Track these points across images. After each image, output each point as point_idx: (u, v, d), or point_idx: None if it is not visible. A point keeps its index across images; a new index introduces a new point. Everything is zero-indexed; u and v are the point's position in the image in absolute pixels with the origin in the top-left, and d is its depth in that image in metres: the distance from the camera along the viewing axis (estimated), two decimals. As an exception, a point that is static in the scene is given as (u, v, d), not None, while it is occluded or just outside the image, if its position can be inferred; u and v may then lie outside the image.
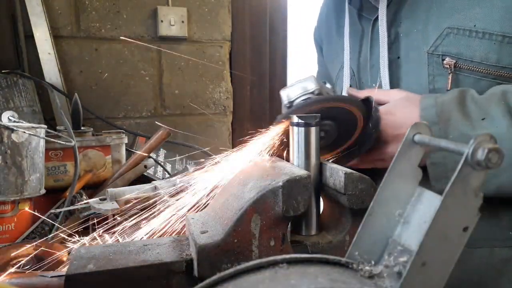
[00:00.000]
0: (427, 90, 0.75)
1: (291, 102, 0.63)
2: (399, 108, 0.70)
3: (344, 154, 0.70)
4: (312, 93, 0.61)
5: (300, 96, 0.62)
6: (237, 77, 1.64)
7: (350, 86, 0.89)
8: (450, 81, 0.72)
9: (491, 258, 0.72)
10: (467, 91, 0.67)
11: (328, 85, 0.67)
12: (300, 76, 0.64)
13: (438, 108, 0.64)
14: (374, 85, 0.83)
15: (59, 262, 0.56)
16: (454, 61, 0.71)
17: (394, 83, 0.79)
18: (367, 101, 0.65)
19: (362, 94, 0.77)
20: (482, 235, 0.70)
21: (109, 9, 1.44)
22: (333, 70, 0.99)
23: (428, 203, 0.30)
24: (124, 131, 1.22)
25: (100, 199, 0.75)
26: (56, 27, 1.38)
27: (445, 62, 0.72)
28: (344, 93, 0.83)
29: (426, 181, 0.76)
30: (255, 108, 1.69)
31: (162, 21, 1.47)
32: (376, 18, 0.81)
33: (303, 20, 1.83)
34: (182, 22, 1.51)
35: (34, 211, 0.80)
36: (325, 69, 1.06)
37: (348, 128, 0.65)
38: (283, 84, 1.74)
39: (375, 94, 0.73)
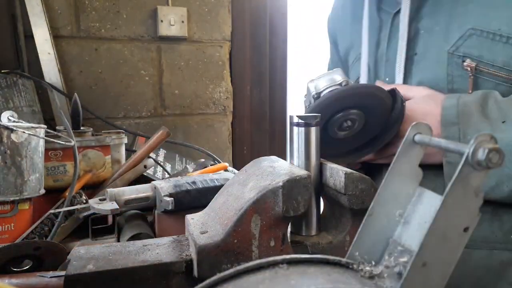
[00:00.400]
0: (445, 89, 0.73)
1: (318, 93, 0.64)
2: (421, 105, 0.70)
3: (363, 146, 0.71)
4: (340, 84, 0.63)
5: (327, 88, 0.63)
6: (237, 77, 1.64)
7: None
8: (471, 84, 0.70)
9: (490, 260, 0.71)
10: (491, 93, 0.66)
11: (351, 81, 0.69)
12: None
13: (459, 108, 0.64)
14: (387, 79, 0.82)
15: (59, 262, 0.56)
16: (475, 63, 0.70)
17: (407, 80, 0.79)
18: (392, 92, 0.66)
19: (387, 87, 0.78)
20: (482, 236, 0.70)
21: (109, 9, 1.44)
22: (349, 60, 0.98)
23: (428, 203, 0.30)
24: (124, 131, 1.22)
25: (100, 199, 0.75)
26: (56, 27, 1.38)
27: (465, 63, 0.71)
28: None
29: (426, 181, 0.76)
30: (255, 108, 1.69)
31: (162, 21, 1.47)
32: (397, 12, 0.80)
33: (303, 20, 1.84)
34: (182, 22, 1.51)
35: (34, 212, 0.80)
36: (337, 59, 1.05)
37: (375, 118, 0.66)
38: (283, 84, 1.73)
39: (401, 89, 0.73)
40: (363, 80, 0.86)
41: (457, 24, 0.72)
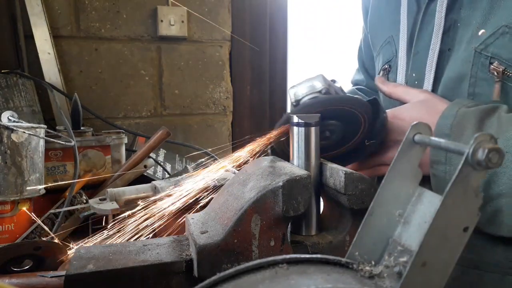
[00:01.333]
0: (465, 93, 0.65)
1: (297, 101, 0.61)
2: (410, 112, 0.64)
3: (346, 156, 0.69)
4: (319, 92, 0.60)
5: (307, 95, 0.61)
6: (237, 77, 1.64)
7: (380, 73, 0.82)
8: (497, 91, 0.61)
9: (501, 284, 0.65)
10: (499, 107, 0.58)
11: (337, 84, 0.65)
12: (307, 75, 0.63)
13: (455, 120, 0.57)
14: (414, 75, 0.75)
15: (59, 262, 0.56)
16: (503, 67, 0.60)
17: (438, 79, 0.70)
18: (375, 102, 0.63)
19: (387, 87, 0.72)
20: (496, 260, 0.65)
21: (109, 9, 1.44)
22: (375, 41, 0.91)
23: (428, 203, 0.30)
24: (124, 131, 1.22)
25: (100, 199, 0.75)
26: (56, 27, 1.38)
27: (492, 66, 0.61)
28: (375, 79, 0.78)
29: (426, 181, 0.75)
30: (255, 108, 1.69)
31: (162, 21, 1.47)
32: None
33: (303, 20, 1.84)
34: (182, 22, 1.51)
35: (34, 212, 0.80)
36: (368, 37, 0.97)
37: (354, 129, 0.64)
38: (283, 84, 1.74)
39: (399, 90, 0.68)
40: (402, 73, 0.76)
41: (494, 18, 0.62)
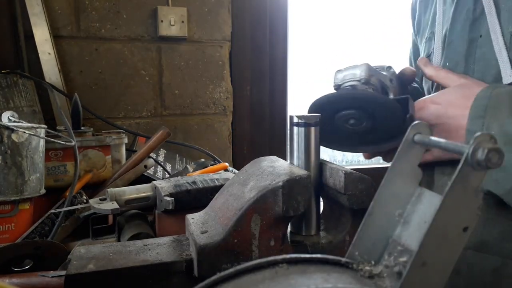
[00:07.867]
0: (501, 81, 0.62)
1: (338, 85, 0.64)
2: (446, 96, 0.63)
3: (379, 141, 0.67)
4: (358, 81, 0.62)
5: (347, 82, 0.63)
6: (237, 77, 1.64)
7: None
8: None
9: (501, 269, 0.64)
10: None
11: (384, 73, 0.65)
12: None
13: (490, 101, 0.56)
14: (447, 64, 0.73)
15: (60, 262, 0.56)
16: None
17: (469, 68, 0.68)
18: (404, 100, 0.63)
19: (429, 69, 0.71)
20: (498, 244, 0.64)
21: (109, 9, 1.44)
22: (420, 40, 0.89)
23: (428, 203, 0.30)
24: (124, 131, 1.22)
25: (100, 199, 0.75)
26: (56, 27, 1.38)
27: None
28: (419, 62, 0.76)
29: (426, 182, 0.75)
30: (255, 108, 1.69)
31: (162, 21, 1.47)
32: None
33: (303, 20, 1.84)
34: (182, 22, 1.51)
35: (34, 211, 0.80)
36: (416, 40, 0.95)
37: (382, 123, 0.63)
38: (283, 84, 1.73)
39: (441, 74, 0.68)
40: (437, 62, 0.75)
41: None
